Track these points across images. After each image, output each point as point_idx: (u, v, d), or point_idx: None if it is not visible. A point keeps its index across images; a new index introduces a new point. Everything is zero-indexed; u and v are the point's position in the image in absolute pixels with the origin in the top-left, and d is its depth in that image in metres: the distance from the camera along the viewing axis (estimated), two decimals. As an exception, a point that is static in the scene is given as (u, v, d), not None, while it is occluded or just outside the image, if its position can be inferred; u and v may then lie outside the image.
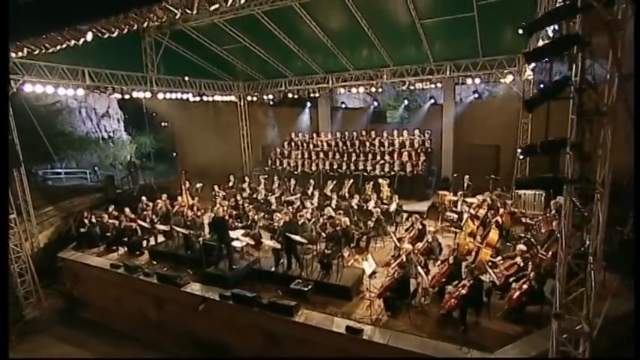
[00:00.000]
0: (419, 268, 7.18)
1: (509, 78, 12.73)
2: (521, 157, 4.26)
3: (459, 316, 6.58)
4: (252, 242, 8.86)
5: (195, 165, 17.70)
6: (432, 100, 17.07)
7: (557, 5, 3.71)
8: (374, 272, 7.48)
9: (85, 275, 10.64)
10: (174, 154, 23.17)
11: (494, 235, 8.42)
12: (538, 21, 3.84)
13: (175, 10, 5.81)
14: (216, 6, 5.70)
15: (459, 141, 15.45)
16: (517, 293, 6.62)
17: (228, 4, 5.63)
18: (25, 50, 7.86)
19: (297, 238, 8.03)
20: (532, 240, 8.02)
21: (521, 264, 7.12)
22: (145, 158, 23.96)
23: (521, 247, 7.49)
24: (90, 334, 9.62)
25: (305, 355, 7.17)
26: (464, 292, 6.50)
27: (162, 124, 23.56)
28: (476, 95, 15.61)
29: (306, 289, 7.68)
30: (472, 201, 10.64)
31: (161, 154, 24.91)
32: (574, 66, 3.66)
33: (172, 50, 13.47)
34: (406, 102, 18.29)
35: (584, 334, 4.46)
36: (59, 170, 21.14)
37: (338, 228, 8.95)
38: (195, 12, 5.85)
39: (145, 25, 6.50)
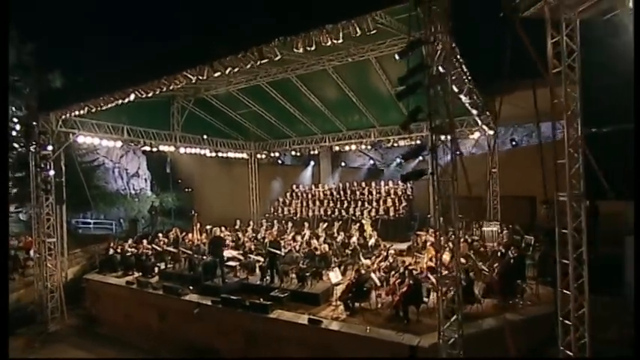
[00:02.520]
0: (373, 276, 8.65)
1: (477, 134, 14.91)
2: (402, 161, 6.12)
3: (403, 312, 7.88)
4: (243, 258, 10.55)
5: (210, 218, 19.79)
6: (420, 158, 19.24)
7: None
8: (339, 283, 9.03)
9: (103, 293, 12.36)
10: (192, 211, 25.54)
11: (446, 256, 9.82)
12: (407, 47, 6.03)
13: (191, 77, 8.45)
14: (219, 74, 8.27)
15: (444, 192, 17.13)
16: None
17: (227, 71, 8.16)
18: (86, 108, 10.67)
19: (277, 251, 9.71)
20: (472, 255, 9.42)
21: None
22: (166, 214, 26.45)
23: (461, 260, 8.89)
24: (101, 344, 11.04)
25: (278, 349, 8.44)
26: (404, 289, 7.90)
27: (186, 189, 26.43)
28: (457, 152, 17.77)
29: (282, 295, 9.17)
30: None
31: (181, 212, 27.29)
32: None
33: (195, 114, 16.53)
34: (398, 160, 20.55)
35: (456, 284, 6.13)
36: (89, 220, 23.84)
37: (317, 252, 10.61)
38: (204, 77, 8.46)
39: (171, 87, 9.17)
